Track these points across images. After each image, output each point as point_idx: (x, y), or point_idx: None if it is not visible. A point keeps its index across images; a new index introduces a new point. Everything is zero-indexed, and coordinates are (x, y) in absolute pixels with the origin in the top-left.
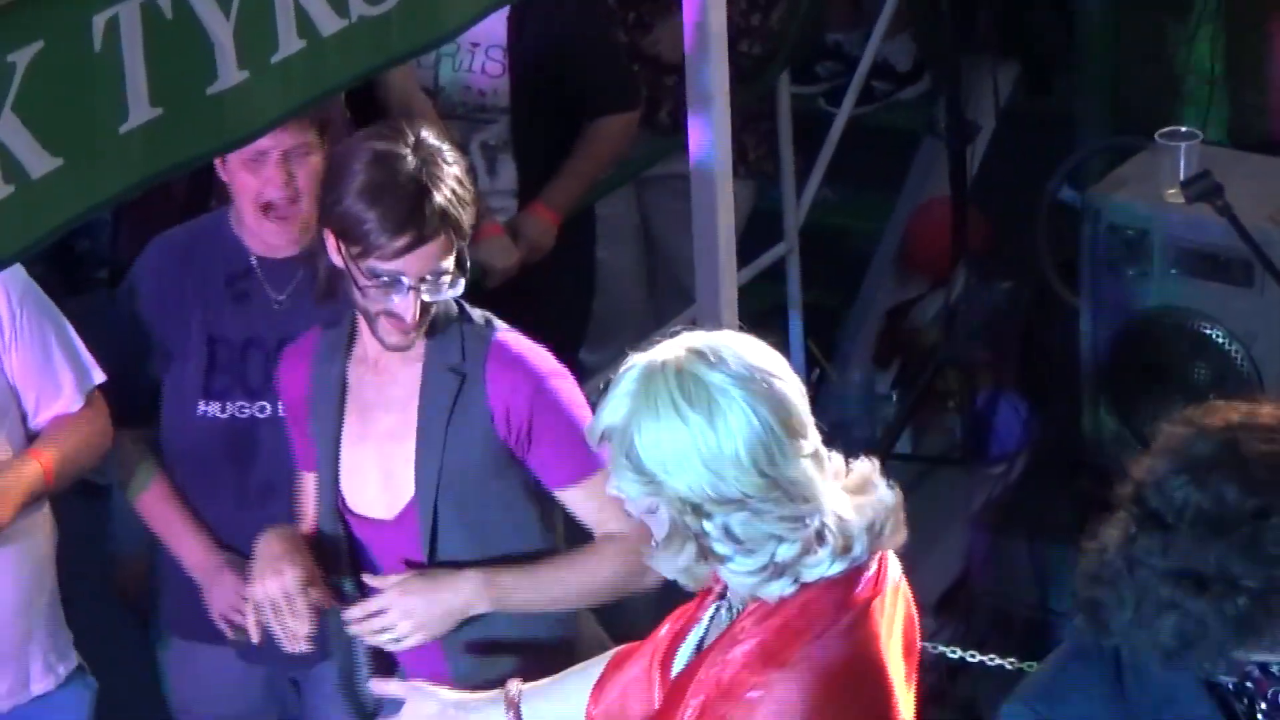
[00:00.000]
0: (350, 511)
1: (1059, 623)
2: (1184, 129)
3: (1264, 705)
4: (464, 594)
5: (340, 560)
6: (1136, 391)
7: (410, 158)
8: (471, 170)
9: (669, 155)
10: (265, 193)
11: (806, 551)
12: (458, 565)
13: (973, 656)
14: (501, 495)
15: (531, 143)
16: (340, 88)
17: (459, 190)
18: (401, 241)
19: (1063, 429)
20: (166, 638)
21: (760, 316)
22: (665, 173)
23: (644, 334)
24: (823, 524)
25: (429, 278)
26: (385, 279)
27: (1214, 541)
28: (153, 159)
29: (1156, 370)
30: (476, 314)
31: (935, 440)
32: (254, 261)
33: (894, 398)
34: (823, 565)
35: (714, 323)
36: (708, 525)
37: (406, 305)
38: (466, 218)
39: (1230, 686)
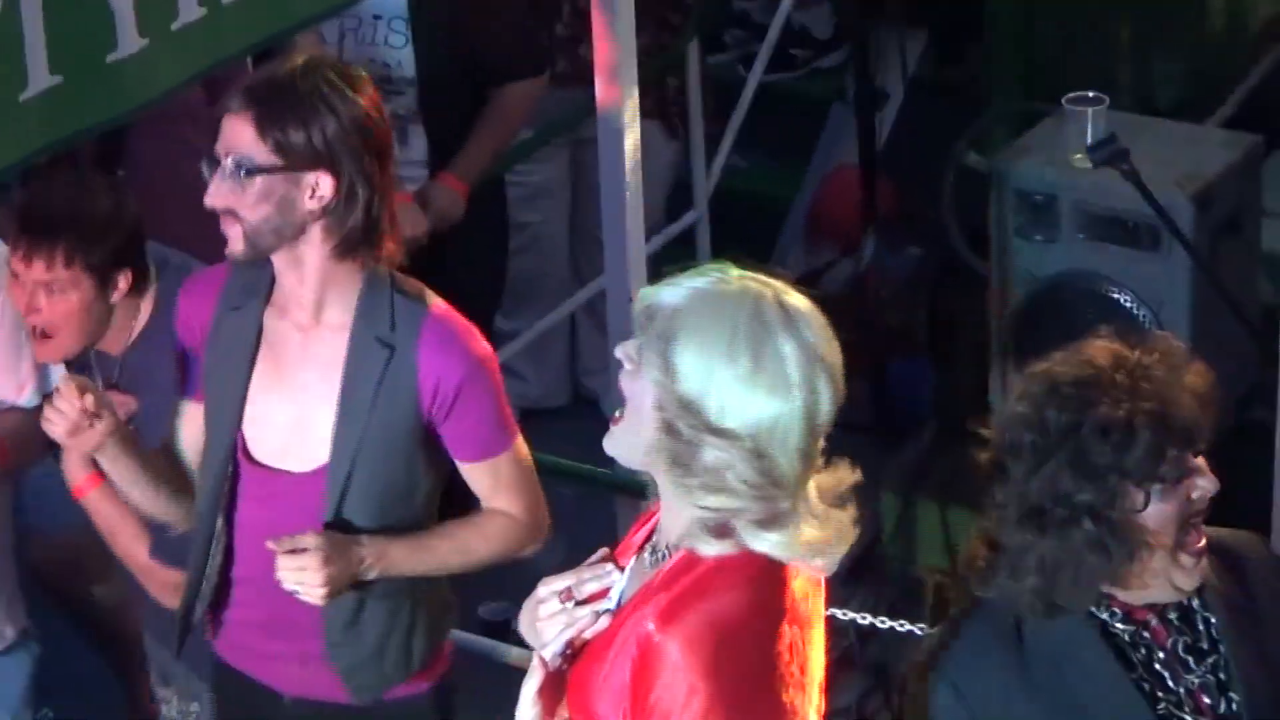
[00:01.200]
0: (250, 456)
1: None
2: (1091, 94)
3: (1162, 654)
4: (360, 563)
5: (218, 498)
6: (1042, 356)
7: (297, 60)
8: (378, 115)
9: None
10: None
11: (762, 524)
12: (351, 529)
13: (883, 622)
14: (410, 468)
15: (439, 112)
16: (240, 55)
17: (316, 99)
18: (226, 101)
19: (972, 394)
20: None
21: None
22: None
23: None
24: (789, 511)
25: (232, 159)
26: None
27: (1043, 468)
28: (54, 127)
29: (1064, 335)
30: (410, 284)
31: (845, 406)
32: (91, 354)
33: None
34: (776, 547)
35: (622, 289)
36: (692, 435)
37: (210, 182)
38: (306, 128)
39: (1127, 637)
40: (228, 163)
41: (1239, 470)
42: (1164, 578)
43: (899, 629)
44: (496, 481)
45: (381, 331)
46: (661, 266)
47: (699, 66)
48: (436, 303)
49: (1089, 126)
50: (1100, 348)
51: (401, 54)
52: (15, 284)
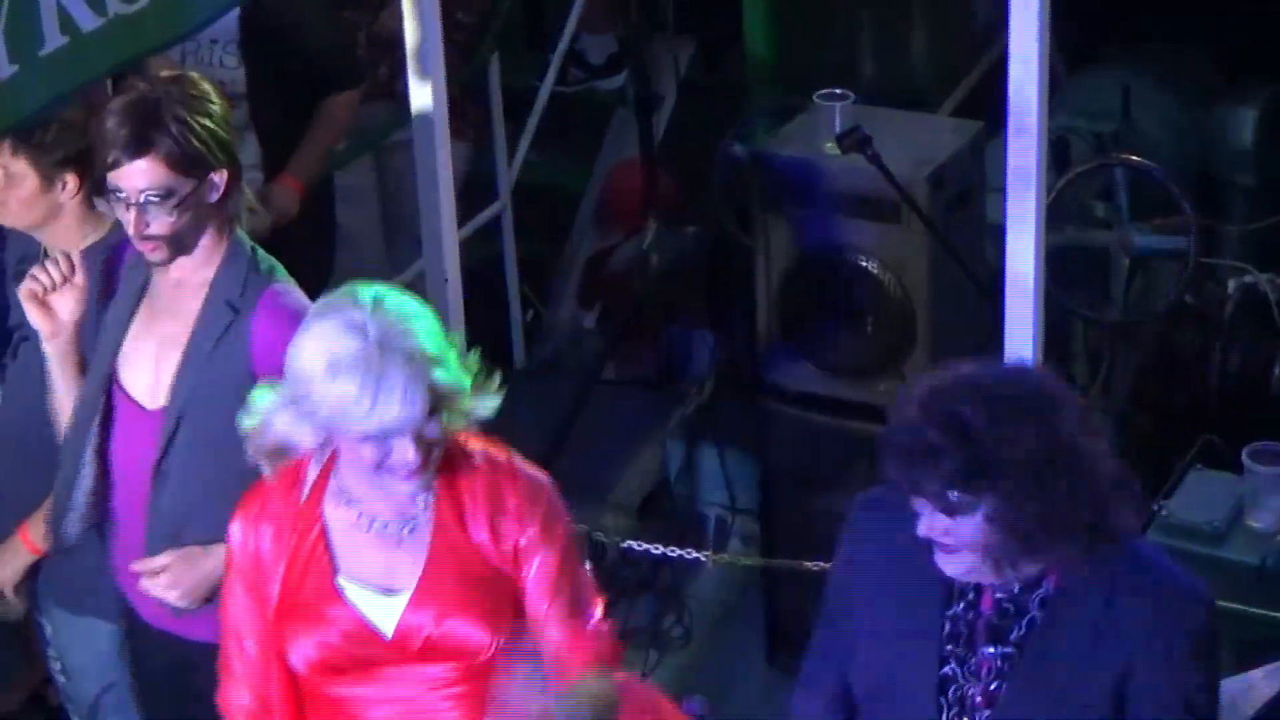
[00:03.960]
0: (120, 386)
1: (742, 519)
2: (838, 90)
3: (981, 616)
4: (215, 570)
5: (90, 425)
6: (804, 319)
7: (145, 86)
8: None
9: (404, 123)
10: None
11: None
12: (182, 467)
13: (673, 551)
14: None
15: (269, 122)
16: (101, 77)
17: (189, 120)
18: (114, 154)
19: (743, 353)
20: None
21: (481, 266)
22: (401, 139)
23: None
24: None
25: (148, 196)
26: (114, 192)
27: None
28: None
29: (820, 299)
30: (265, 259)
31: (635, 367)
32: (43, 249)
33: (598, 332)
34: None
35: (439, 271)
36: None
37: (129, 219)
38: (197, 148)
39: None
40: (141, 199)
41: None
42: None
43: (687, 557)
44: None
45: (231, 296)
46: (470, 252)
47: (499, 78)
48: (282, 280)
49: (836, 118)
50: None
51: (235, 73)
52: None
